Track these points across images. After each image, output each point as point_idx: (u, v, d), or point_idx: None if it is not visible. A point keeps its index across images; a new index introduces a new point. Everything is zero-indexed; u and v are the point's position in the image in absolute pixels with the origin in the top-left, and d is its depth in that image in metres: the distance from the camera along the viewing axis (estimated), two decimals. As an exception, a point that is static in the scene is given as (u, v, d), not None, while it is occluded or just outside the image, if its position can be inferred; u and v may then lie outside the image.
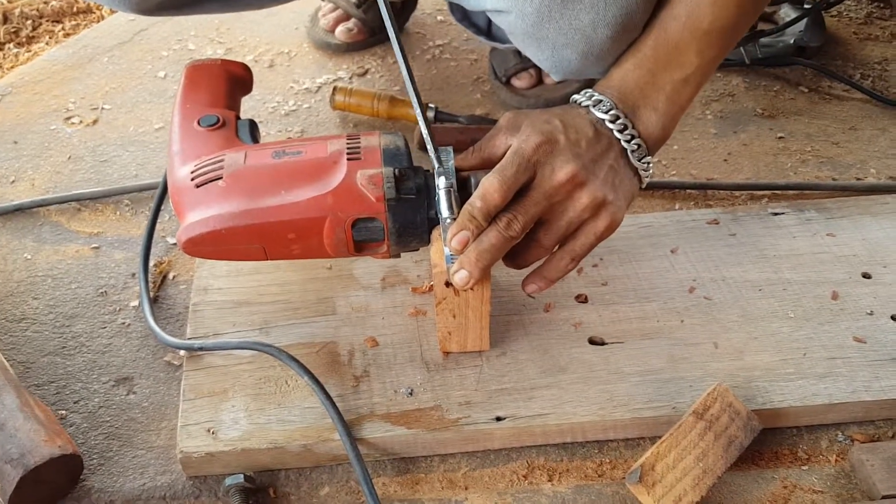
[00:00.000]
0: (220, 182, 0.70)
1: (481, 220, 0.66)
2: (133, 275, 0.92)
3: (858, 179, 1.02)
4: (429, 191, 0.70)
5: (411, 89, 0.68)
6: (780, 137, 1.10)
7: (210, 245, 0.69)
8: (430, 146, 0.68)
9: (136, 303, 0.88)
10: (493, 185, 0.66)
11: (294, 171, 0.70)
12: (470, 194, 0.69)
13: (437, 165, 0.68)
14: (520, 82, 1.15)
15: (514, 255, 0.71)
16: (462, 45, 1.27)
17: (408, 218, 0.69)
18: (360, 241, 0.70)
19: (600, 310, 0.82)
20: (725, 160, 1.06)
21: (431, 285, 0.83)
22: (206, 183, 0.70)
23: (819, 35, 1.24)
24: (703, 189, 1.01)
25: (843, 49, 1.27)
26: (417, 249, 0.73)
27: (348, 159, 0.70)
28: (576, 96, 0.74)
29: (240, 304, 0.83)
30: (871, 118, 1.13)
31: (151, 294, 0.88)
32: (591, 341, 0.79)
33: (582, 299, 0.83)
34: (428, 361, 0.77)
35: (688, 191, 1.01)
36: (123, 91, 1.20)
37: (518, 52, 1.14)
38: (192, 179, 0.71)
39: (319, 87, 1.20)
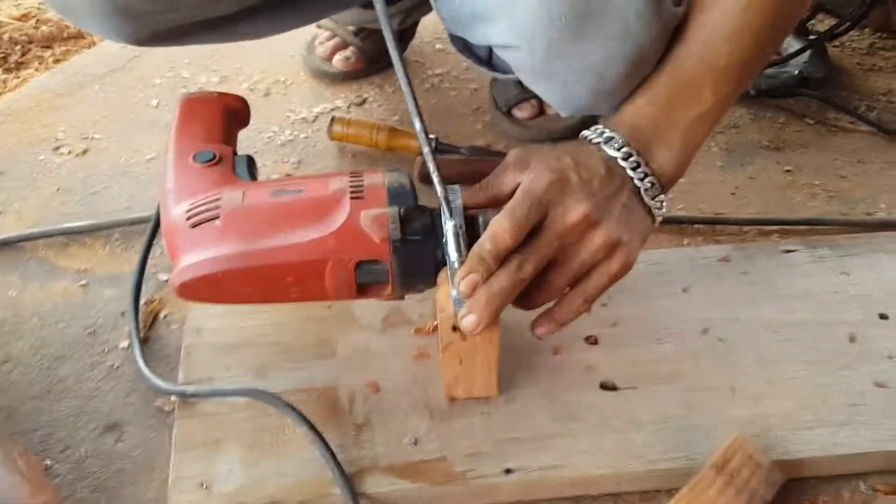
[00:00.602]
0: (216, 222, 0.66)
1: (491, 263, 0.63)
2: (123, 314, 0.88)
3: (869, 215, 1.00)
4: (435, 231, 0.67)
5: (417, 120, 0.65)
6: (788, 171, 1.07)
7: (206, 289, 0.66)
8: (438, 184, 0.65)
9: (125, 344, 0.85)
10: (503, 226, 0.63)
11: (294, 210, 0.67)
12: (477, 234, 0.66)
13: (444, 205, 0.65)
14: (521, 113, 1.13)
15: (524, 296, 0.68)
16: (462, 75, 1.25)
17: (414, 260, 0.66)
18: (364, 284, 0.67)
19: (611, 352, 0.79)
20: (733, 194, 1.04)
21: (435, 325, 0.80)
22: (201, 223, 0.67)
23: (823, 66, 1.23)
24: (711, 224, 0.98)
25: (848, 80, 1.26)
26: (423, 291, 0.69)
27: (351, 198, 0.67)
28: (586, 132, 0.72)
29: (235, 346, 0.79)
30: (878, 151, 1.11)
31: (142, 334, 0.84)
32: (603, 386, 0.76)
33: (592, 341, 0.80)
34: (433, 408, 0.74)
35: (696, 226, 0.98)
36: (114, 120, 1.17)
37: (519, 83, 1.11)
38: (188, 219, 0.68)
39: (317, 117, 1.17)
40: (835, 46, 1.33)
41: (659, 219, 0.71)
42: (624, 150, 0.69)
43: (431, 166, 0.65)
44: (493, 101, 1.15)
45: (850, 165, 1.08)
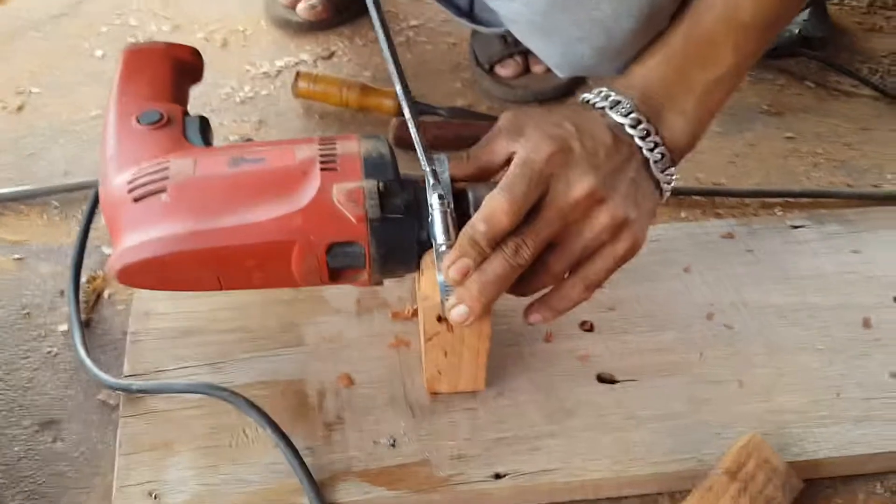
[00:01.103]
0: (163, 196, 0.57)
1: (485, 247, 0.55)
2: (62, 292, 0.78)
3: (875, 187, 0.94)
4: (419, 208, 0.58)
5: (396, 77, 0.57)
6: (789, 138, 1.00)
7: (151, 274, 0.57)
8: (422, 155, 0.57)
9: (65, 327, 0.75)
10: (500, 204, 0.55)
11: (255, 183, 0.58)
12: (466, 212, 0.58)
13: (429, 179, 0.57)
14: (505, 70, 1.04)
15: (518, 281, 0.60)
16: (439, 27, 1.15)
17: (394, 242, 0.57)
18: (336, 269, 0.58)
19: (608, 340, 0.71)
20: (732, 162, 0.96)
21: (415, 310, 0.72)
22: (146, 196, 0.57)
23: (823, 25, 1.15)
24: (711, 196, 0.91)
25: (848, 40, 1.18)
26: (404, 276, 0.61)
27: (322, 170, 0.58)
28: (588, 95, 0.63)
29: (188, 332, 0.70)
30: (882, 117, 1.04)
31: (83, 316, 0.75)
32: (601, 378, 0.69)
33: (587, 327, 0.72)
34: (413, 404, 0.66)
35: (694, 197, 0.91)
36: (55, 72, 1.05)
37: (503, 37, 1.03)
38: (130, 192, 0.58)
39: (279, 72, 1.06)
40: (833, 3, 1.25)
41: (667, 194, 0.64)
42: (632, 115, 0.61)
43: (415, 134, 0.57)
44: (474, 56, 1.06)
45: (853, 133, 1.01)
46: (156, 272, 0.56)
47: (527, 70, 1.04)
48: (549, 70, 1.04)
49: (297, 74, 0.99)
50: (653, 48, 0.63)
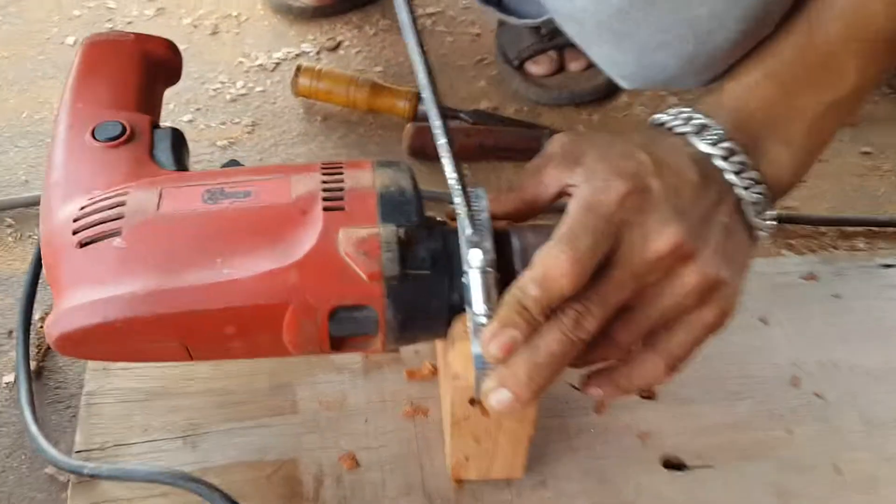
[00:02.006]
0: (116, 240, 0.44)
1: (537, 315, 0.42)
2: (10, 332, 0.65)
3: (973, 214, 0.80)
4: (450, 261, 0.45)
5: (424, 78, 0.44)
6: (866, 153, 0.86)
7: (99, 343, 0.43)
8: (457, 188, 0.44)
9: (10, 378, 0.62)
10: (559, 263, 0.41)
11: (237, 226, 0.44)
12: (508, 263, 0.45)
13: (467, 227, 0.43)
14: (537, 67, 0.90)
15: (575, 352, 0.47)
16: (460, 16, 1.01)
17: (417, 305, 0.44)
18: (341, 337, 0.45)
19: (674, 411, 0.58)
20: (802, 182, 0.82)
21: (435, 367, 0.59)
22: (95, 240, 0.44)
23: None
24: (781, 223, 0.77)
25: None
26: (428, 342, 0.48)
27: (325, 209, 0.44)
28: (663, 117, 0.50)
29: (156, 394, 0.57)
30: (973, 129, 0.91)
31: (34, 364, 0.62)
32: (667, 463, 0.56)
33: (647, 394, 0.59)
34: (432, 493, 0.53)
35: (761, 224, 0.77)
36: (18, 62, 0.91)
37: (536, 29, 0.89)
38: (75, 233, 0.45)
39: (277, 65, 0.93)
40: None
41: (761, 243, 0.50)
42: (724, 145, 0.47)
43: (448, 163, 0.44)
44: (501, 51, 0.92)
45: (940, 147, 0.88)
46: (105, 341, 0.43)
47: (562, 67, 0.90)
48: (588, 67, 0.91)
49: (298, 69, 0.86)
50: (753, 60, 0.49)
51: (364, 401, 0.58)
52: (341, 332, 0.44)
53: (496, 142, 0.82)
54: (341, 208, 0.44)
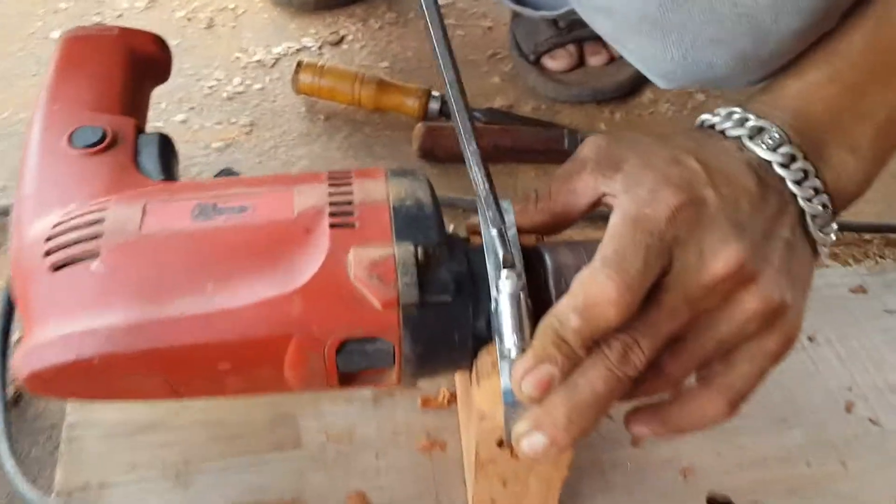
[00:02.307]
0: (94, 263, 0.38)
1: (578, 349, 0.37)
2: (-14, 355, 0.60)
3: None
4: (475, 284, 0.39)
5: (451, 75, 0.39)
6: (909, 151, 0.81)
7: (74, 381, 0.38)
8: (488, 201, 0.38)
9: (-15, 406, 0.57)
10: (605, 290, 0.36)
11: (232, 246, 0.39)
12: (541, 285, 0.40)
13: (497, 247, 0.38)
14: (555, 62, 0.84)
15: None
16: (471, 7, 0.95)
17: (438, 336, 0.39)
18: (351, 373, 0.39)
19: (718, 444, 0.53)
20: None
21: (452, 395, 0.53)
22: (69, 264, 0.39)
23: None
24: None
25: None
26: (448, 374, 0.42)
27: (332, 226, 0.39)
28: (710, 117, 0.44)
29: (144, 427, 0.52)
30: None
31: (10, 394, 0.56)
32: (712, 501, 0.50)
33: (687, 423, 0.53)
34: (453, 538, 0.48)
35: (799, 230, 0.71)
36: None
37: (553, 21, 0.83)
38: (47, 254, 0.39)
39: (277, 60, 0.87)
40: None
41: (823, 259, 0.45)
42: (784, 150, 0.42)
43: (478, 173, 0.38)
44: (516, 44, 0.86)
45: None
46: (81, 380, 0.38)
47: (581, 62, 0.84)
48: (609, 62, 0.85)
49: (299, 65, 0.80)
50: (815, 57, 0.44)
51: (375, 433, 0.52)
52: (351, 366, 0.39)
53: (512, 142, 0.76)
54: (351, 225, 0.39)
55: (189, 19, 0.91)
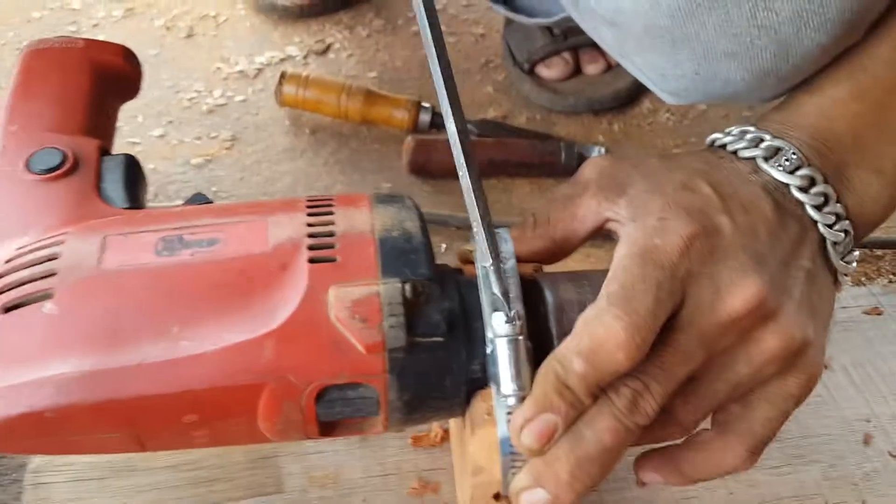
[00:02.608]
0: (47, 305, 0.34)
1: (583, 397, 0.33)
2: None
3: None
4: (468, 321, 0.36)
5: (442, 91, 0.35)
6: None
7: (25, 437, 0.34)
8: (484, 239, 0.35)
9: (-55, 445, 0.53)
10: (614, 332, 0.33)
11: (200, 284, 0.35)
12: (540, 321, 0.37)
13: (494, 283, 0.34)
14: (550, 71, 0.80)
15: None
16: (462, 14, 0.91)
17: (428, 381, 0.35)
18: (333, 421, 0.36)
19: (729, 480, 0.49)
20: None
21: (445, 432, 0.50)
22: (20, 305, 0.35)
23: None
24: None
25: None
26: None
27: (311, 260, 0.35)
28: (720, 136, 0.41)
29: (114, 470, 0.48)
30: None
31: (-29, 432, 0.52)
32: (724, 547, 0.47)
33: (695, 460, 0.50)
34: (447, 592, 0.44)
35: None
36: (-31, 69, 0.82)
37: (547, 29, 0.80)
38: (-4, 294, 0.36)
39: (260, 71, 0.83)
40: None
41: (844, 288, 0.42)
42: (803, 172, 0.39)
43: (472, 203, 0.35)
44: (510, 52, 0.83)
45: None
46: (33, 434, 0.34)
47: (578, 71, 0.81)
48: (606, 70, 0.82)
49: (283, 76, 0.76)
50: (838, 72, 0.41)
51: (362, 475, 0.48)
52: (332, 415, 0.35)
53: (506, 156, 0.73)
54: (332, 259, 0.35)
55: (168, 28, 0.87)
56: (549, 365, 0.34)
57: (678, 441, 0.38)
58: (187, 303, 0.34)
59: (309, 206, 0.38)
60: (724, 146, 0.40)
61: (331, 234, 0.36)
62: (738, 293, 0.34)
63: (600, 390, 0.34)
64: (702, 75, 0.41)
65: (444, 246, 0.66)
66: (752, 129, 0.40)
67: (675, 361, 0.34)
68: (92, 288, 0.35)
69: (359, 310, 0.34)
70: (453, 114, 0.35)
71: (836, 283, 0.40)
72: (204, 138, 0.76)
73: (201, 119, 0.78)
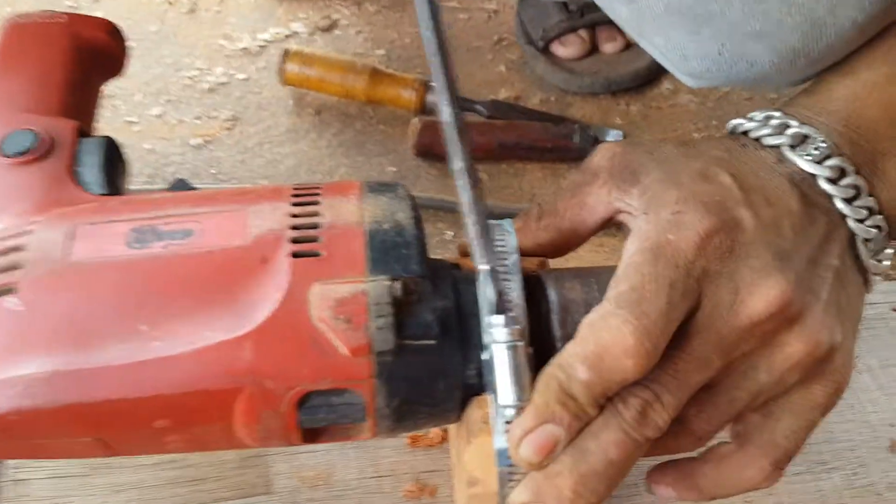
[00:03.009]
0: (11, 300, 0.32)
1: (587, 407, 0.31)
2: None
3: None
4: (464, 322, 0.33)
5: (439, 70, 0.33)
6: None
7: (-14, 441, 0.32)
8: (479, 233, 0.32)
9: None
10: (622, 337, 0.30)
11: (172, 279, 0.32)
12: (543, 323, 0.34)
13: (490, 286, 0.32)
14: (565, 49, 0.77)
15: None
16: (474, -11, 0.88)
17: (419, 387, 0.33)
18: (316, 428, 0.33)
19: (746, 489, 0.46)
20: None
21: (444, 431, 0.47)
22: (-18, 299, 0.33)
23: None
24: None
25: None
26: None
27: (294, 254, 0.33)
28: (743, 122, 0.38)
29: (96, 468, 0.46)
30: None
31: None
32: (740, 559, 0.44)
33: (710, 465, 0.47)
34: None
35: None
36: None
37: (563, 5, 0.76)
38: (-43, 287, 0.33)
39: (263, 48, 0.80)
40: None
41: (874, 287, 0.38)
42: (832, 162, 0.35)
43: (466, 198, 0.32)
44: (523, 30, 0.79)
45: None
46: (-5, 438, 0.32)
47: (594, 49, 0.78)
48: (625, 49, 0.78)
49: (286, 53, 0.73)
50: (869, 52, 0.37)
51: (355, 476, 0.46)
52: (316, 421, 0.33)
53: (518, 139, 0.70)
54: (316, 253, 0.33)
55: (170, 3, 0.84)
56: (550, 372, 0.31)
57: (694, 454, 0.36)
58: (158, 300, 0.32)
59: (294, 195, 0.35)
60: (746, 132, 0.37)
61: (315, 227, 0.33)
62: (759, 294, 0.31)
63: (606, 400, 0.31)
64: (726, 57, 0.38)
65: (450, 233, 0.63)
66: (777, 114, 0.37)
67: (690, 369, 0.31)
68: (58, 282, 0.32)
69: (343, 309, 0.31)
70: (450, 104, 0.32)
71: (867, 283, 0.37)
72: (203, 118, 0.73)
73: (202, 98, 0.75)
